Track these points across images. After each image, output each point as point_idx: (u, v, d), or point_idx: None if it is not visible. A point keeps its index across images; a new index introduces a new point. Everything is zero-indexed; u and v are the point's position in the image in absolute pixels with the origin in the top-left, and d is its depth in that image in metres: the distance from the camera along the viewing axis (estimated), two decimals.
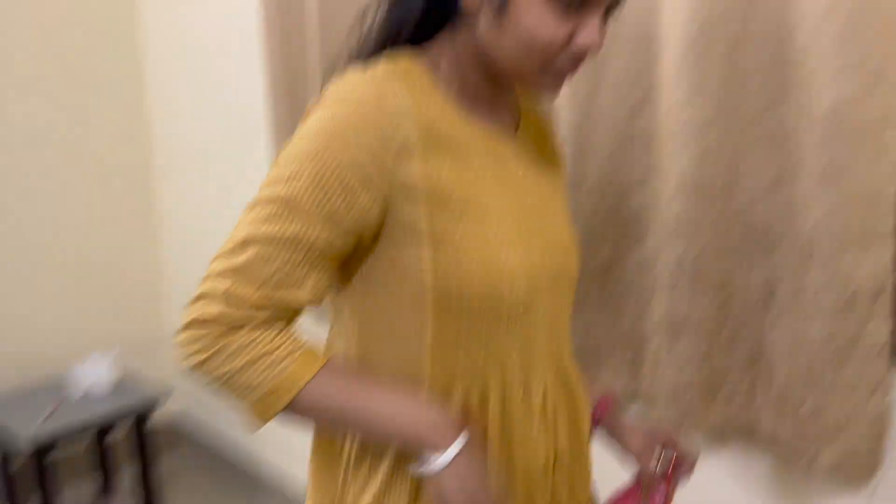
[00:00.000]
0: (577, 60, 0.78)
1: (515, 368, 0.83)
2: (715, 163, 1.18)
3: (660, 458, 0.98)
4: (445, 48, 0.82)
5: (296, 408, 0.77)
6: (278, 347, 0.75)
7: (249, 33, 2.13)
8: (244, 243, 0.75)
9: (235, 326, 0.74)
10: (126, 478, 2.57)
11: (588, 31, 0.76)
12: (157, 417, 2.49)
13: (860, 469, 1.13)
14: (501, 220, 0.80)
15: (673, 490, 0.98)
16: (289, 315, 0.77)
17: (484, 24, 0.78)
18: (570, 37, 0.76)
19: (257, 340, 0.74)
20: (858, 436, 1.11)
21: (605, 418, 1.00)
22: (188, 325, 0.75)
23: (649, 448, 0.99)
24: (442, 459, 0.76)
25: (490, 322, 0.80)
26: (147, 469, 2.33)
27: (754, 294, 1.20)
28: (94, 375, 2.31)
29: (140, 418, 2.29)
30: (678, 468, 0.98)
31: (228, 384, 0.76)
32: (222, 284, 0.74)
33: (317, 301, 0.78)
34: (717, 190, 1.19)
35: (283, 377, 0.75)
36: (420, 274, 0.77)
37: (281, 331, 0.76)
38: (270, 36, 1.93)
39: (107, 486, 2.52)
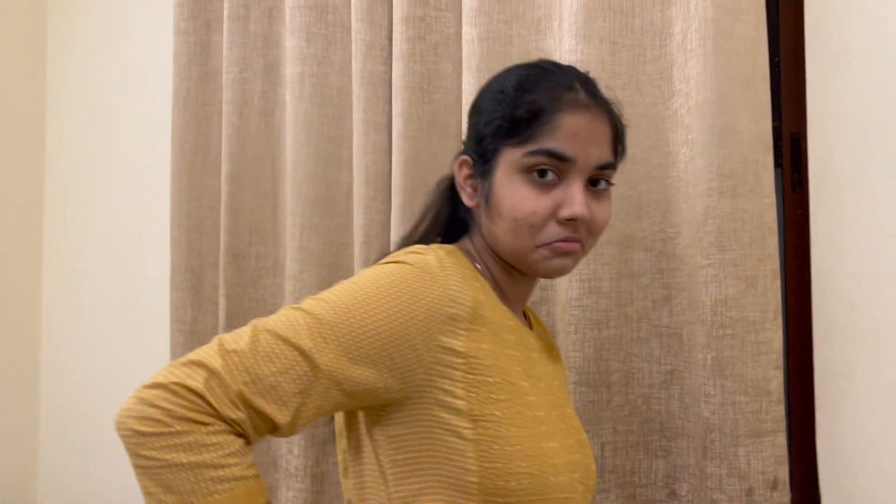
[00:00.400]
0: (570, 232, 0.81)
1: None
2: (613, 355, 1.22)
3: None
4: (475, 244, 0.88)
5: None
6: (230, 466, 0.69)
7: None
8: (260, 331, 0.72)
9: (206, 415, 0.68)
10: None
11: (568, 202, 0.80)
12: None
13: None
14: (537, 408, 0.79)
15: None
16: (256, 430, 0.71)
17: (483, 217, 0.85)
18: (554, 209, 0.80)
19: (216, 445, 0.68)
20: None
21: None
22: (170, 382, 0.68)
23: None
24: None
25: None
26: None
27: (657, 486, 1.21)
28: None
29: None
30: None
31: (156, 473, 0.67)
32: (217, 360, 0.70)
33: (287, 431, 0.73)
34: (616, 384, 1.23)
35: (213, 498, 0.67)
36: (461, 448, 0.74)
37: (242, 447, 0.70)
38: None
39: None
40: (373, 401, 0.75)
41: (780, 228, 1.15)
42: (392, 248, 0.95)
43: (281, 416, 0.71)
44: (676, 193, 1.17)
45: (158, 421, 0.67)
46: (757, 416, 1.09)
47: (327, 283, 1.58)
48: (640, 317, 1.21)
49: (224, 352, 0.70)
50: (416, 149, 1.38)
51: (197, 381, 0.68)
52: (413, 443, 0.75)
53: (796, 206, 1.20)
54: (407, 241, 0.91)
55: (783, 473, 1.09)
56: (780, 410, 1.09)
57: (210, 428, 0.68)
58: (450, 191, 0.93)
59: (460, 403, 0.74)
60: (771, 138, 1.11)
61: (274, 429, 0.72)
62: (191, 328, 1.81)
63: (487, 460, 0.74)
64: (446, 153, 1.39)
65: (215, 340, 0.73)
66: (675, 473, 1.19)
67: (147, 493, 0.68)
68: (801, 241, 1.18)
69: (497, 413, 0.75)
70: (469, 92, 1.29)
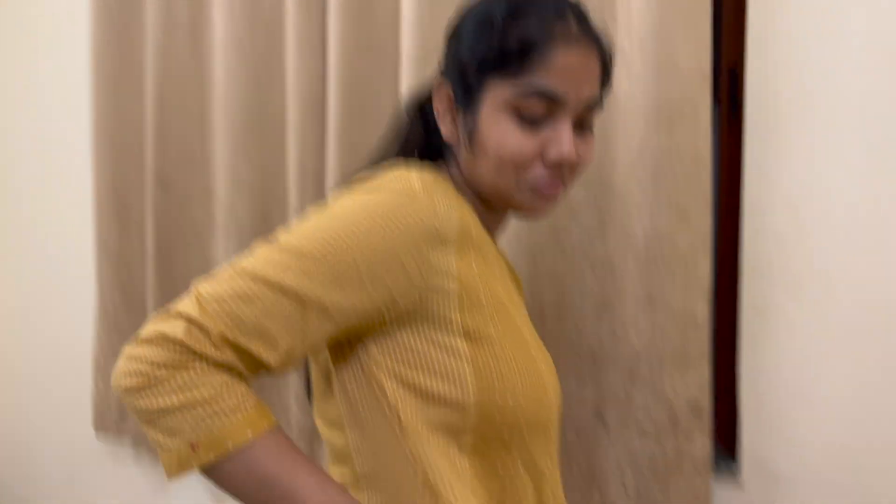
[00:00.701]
0: (555, 175, 0.79)
1: (546, 489, 0.81)
2: (547, 286, 1.23)
3: None
4: (453, 175, 0.85)
5: (217, 470, 0.69)
6: (223, 398, 0.68)
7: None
8: (237, 274, 0.70)
9: (190, 358, 0.68)
10: None
11: (556, 142, 0.77)
12: None
13: None
14: (523, 330, 0.80)
15: None
16: (247, 369, 0.70)
17: (463, 153, 0.82)
18: (541, 149, 0.77)
19: (204, 383, 0.68)
20: None
21: None
22: (152, 337, 0.68)
23: None
24: None
25: (528, 431, 0.77)
26: None
27: (586, 415, 1.24)
28: None
29: None
30: None
31: (156, 423, 0.68)
32: (194, 308, 0.69)
33: (280, 371, 0.72)
34: (549, 312, 1.24)
35: (214, 433, 0.68)
36: (459, 366, 0.74)
37: (231, 381, 0.69)
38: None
39: None
40: (366, 329, 0.74)
41: (714, 163, 1.17)
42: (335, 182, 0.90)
43: (270, 357, 0.70)
44: (615, 125, 1.17)
45: (144, 374, 0.67)
46: (683, 345, 1.12)
47: (262, 214, 1.54)
48: (575, 249, 1.21)
49: (202, 299, 0.69)
50: (353, 73, 1.33)
51: (177, 330, 0.68)
52: (413, 362, 0.74)
53: (731, 141, 1.22)
54: (376, 167, 0.87)
55: (706, 401, 1.13)
56: (705, 341, 1.12)
57: (195, 370, 0.68)
58: (420, 113, 0.89)
59: (455, 326, 0.73)
60: (710, 72, 1.11)
61: (265, 369, 0.71)
62: (118, 257, 1.76)
63: (484, 379, 0.74)
64: (385, 77, 1.35)
65: (193, 289, 0.71)
66: (603, 402, 1.22)
67: (155, 445, 0.70)
68: (734, 177, 1.20)
69: (492, 333, 0.75)
70: (409, 12, 1.24)
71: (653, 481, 1.15)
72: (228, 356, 0.69)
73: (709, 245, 1.12)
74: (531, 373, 0.77)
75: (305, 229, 0.72)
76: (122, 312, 1.82)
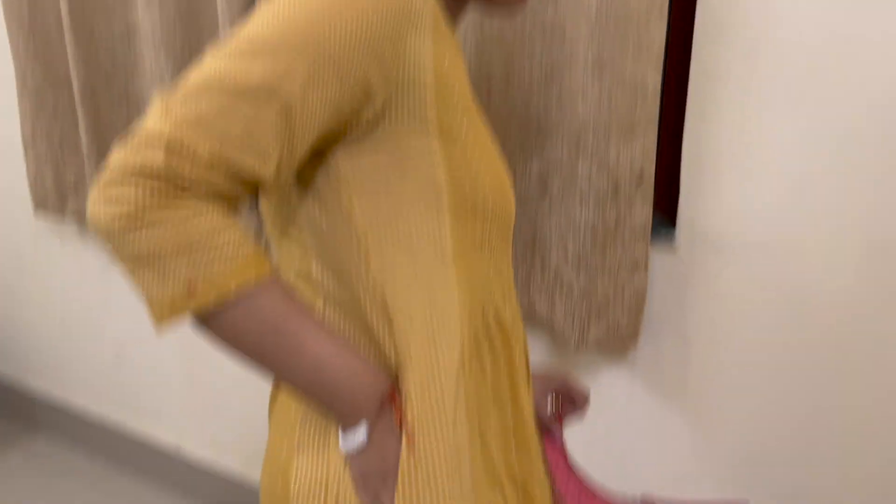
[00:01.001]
0: None
1: (505, 289, 0.79)
2: (495, 54, 1.18)
3: (552, 403, 1.02)
4: None
5: (214, 317, 0.63)
6: (221, 235, 0.61)
7: None
8: (208, 82, 0.60)
9: (178, 191, 0.59)
10: None
11: None
12: None
13: (622, 343, 1.24)
14: (484, 130, 0.74)
15: (562, 429, 1.05)
16: (238, 192, 0.63)
17: None
18: None
19: (198, 218, 0.60)
20: (620, 313, 1.22)
21: None
22: (129, 172, 0.58)
23: (543, 395, 1.02)
24: (359, 436, 0.69)
25: (497, 233, 0.75)
26: None
27: (531, 184, 1.24)
28: None
29: None
30: (569, 411, 1.04)
31: (146, 269, 0.60)
32: (167, 128, 0.59)
33: (274, 185, 0.64)
34: (496, 83, 1.20)
35: (213, 275, 0.60)
36: (432, 169, 0.68)
37: (226, 217, 0.62)
38: None
39: None
40: (336, 139, 0.66)
41: None
42: None
43: (265, 170, 0.62)
44: None
45: (127, 215, 0.58)
46: (631, 113, 1.10)
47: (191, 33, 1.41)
48: (524, 13, 1.15)
49: (176, 118, 0.59)
50: None
51: (157, 159, 0.58)
52: (384, 164, 0.68)
53: None
54: None
55: (649, 169, 1.13)
56: (654, 109, 1.10)
57: (187, 205, 0.59)
58: None
59: (431, 126, 0.67)
60: None
61: (258, 185, 0.63)
62: (30, 27, 1.62)
63: (457, 179, 0.69)
64: None
65: (160, 106, 0.60)
66: (547, 171, 1.22)
67: (143, 291, 0.62)
68: None
69: (462, 133, 0.70)
70: None
71: (592, 248, 1.19)
72: (219, 179, 0.60)
73: (664, 9, 1.06)
74: (497, 175, 0.74)
75: (269, 20, 0.62)
76: (45, 88, 1.72)
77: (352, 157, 0.67)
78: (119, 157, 0.60)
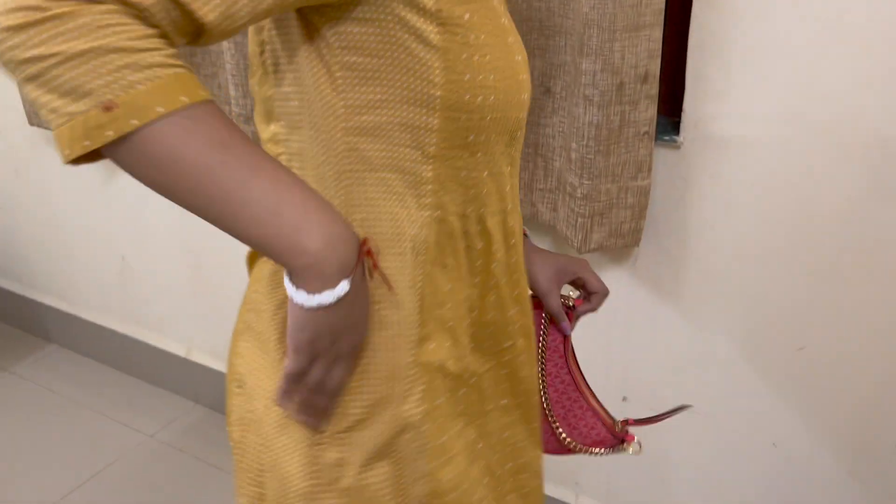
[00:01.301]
0: None
1: (503, 192, 0.74)
2: None
3: (564, 296, 0.97)
4: None
5: (137, 146, 0.51)
6: (147, 49, 0.50)
7: None
8: None
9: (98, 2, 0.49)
10: None
11: None
12: None
13: (624, 245, 1.25)
14: (501, 15, 0.67)
15: (574, 323, 0.99)
16: (174, 28, 0.52)
17: None
18: None
19: (121, 26, 0.49)
20: (623, 215, 1.22)
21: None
22: None
23: (556, 286, 0.95)
24: (324, 296, 0.58)
25: (496, 136, 0.68)
26: None
27: (534, 86, 1.22)
28: None
29: None
30: (582, 307, 0.98)
31: (52, 77, 0.49)
32: None
33: (216, 35, 0.54)
34: None
35: (137, 90, 0.50)
36: (426, 57, 0.61)
37: (154, 33, 0.51)
38: None
39: None
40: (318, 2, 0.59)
41: None
42: None
43: (206, 10, 0.52)
44: None
45: (32, 7, 0.48)
46: (637, 9, 1.07)
47: None
48: None
49: None
50: None
51: None
52: (372, 46, 0.61)
53: None
54: None
55: (654, 67, 1.11)
56: (660, 3, 1.07)
57: (104, 7, 0.49)
58: None
59: (428, 8, 0.60)
60: None
61: (199, 31, 0.54)
62: None
63: (454, 71, 0.62)
64: None
65: None
66: (551, 71, 1.19)
67: (49, 111, 0.50)
68: None
69: (466, 16, 0.62)
70: None
71: (596, 148, 1.18)
72: (148, 6, 0.50)
73: None
74: (506, 67, 0.66)
75: None
76: None
77: (335, 28, 0.60)
78: None
